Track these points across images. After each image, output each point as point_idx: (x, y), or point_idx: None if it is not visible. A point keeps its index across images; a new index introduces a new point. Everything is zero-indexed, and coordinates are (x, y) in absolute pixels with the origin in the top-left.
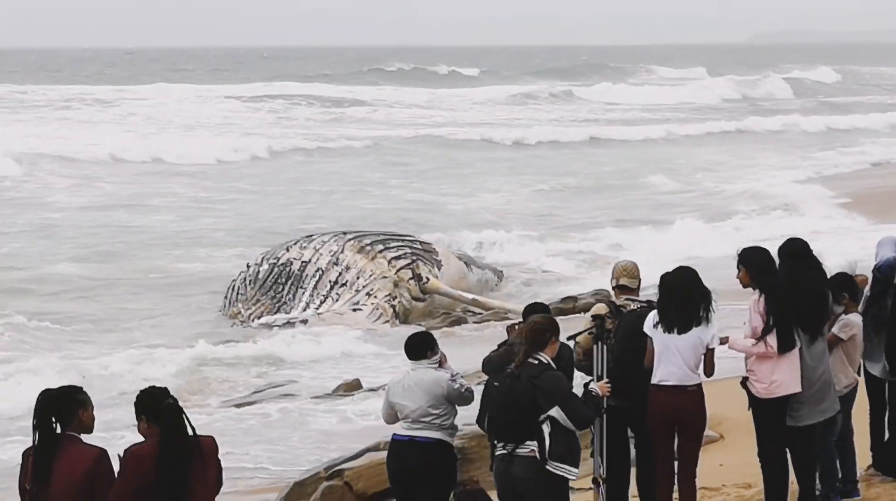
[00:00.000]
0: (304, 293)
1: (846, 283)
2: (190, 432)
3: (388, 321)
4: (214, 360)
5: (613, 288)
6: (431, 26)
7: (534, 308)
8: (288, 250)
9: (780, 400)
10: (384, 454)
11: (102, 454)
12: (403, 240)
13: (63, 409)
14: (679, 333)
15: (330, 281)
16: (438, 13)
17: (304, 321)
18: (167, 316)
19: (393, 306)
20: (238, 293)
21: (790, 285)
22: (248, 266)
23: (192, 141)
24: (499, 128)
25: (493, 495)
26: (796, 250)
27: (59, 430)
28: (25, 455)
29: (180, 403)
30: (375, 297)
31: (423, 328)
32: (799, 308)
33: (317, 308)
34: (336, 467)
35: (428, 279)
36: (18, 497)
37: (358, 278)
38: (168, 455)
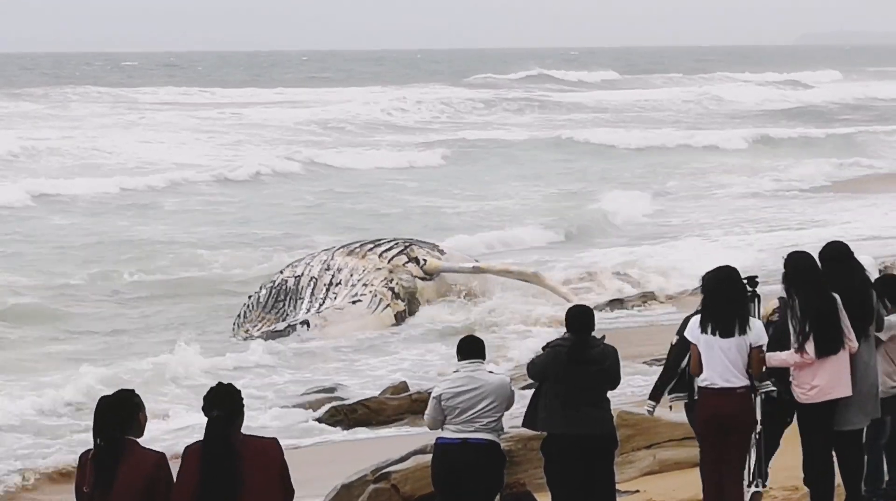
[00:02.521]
0: (302, 302)
1: (891, 284)
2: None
3: (389, 306)
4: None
5: None
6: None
7: (574, 309)
8: (282, 272)
9: (824, 405)
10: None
11: (162, 458)
12: (394, 239)
13: (124, 414)
14: (721, 335)
15: (325, 284)
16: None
17: (305, 323)
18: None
19: (392, 289)
20: (244, 318)
21: (832, 287)
22: (250, 296)
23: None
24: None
25: (540, 497)
26: (836, 253)
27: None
28: (83, 457)
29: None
30: (372, 285)
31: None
32: None
33: (317, 310)
34: (383, 469)
35: (426, 261)
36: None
37: (352, 275)
38: (208, 456)
